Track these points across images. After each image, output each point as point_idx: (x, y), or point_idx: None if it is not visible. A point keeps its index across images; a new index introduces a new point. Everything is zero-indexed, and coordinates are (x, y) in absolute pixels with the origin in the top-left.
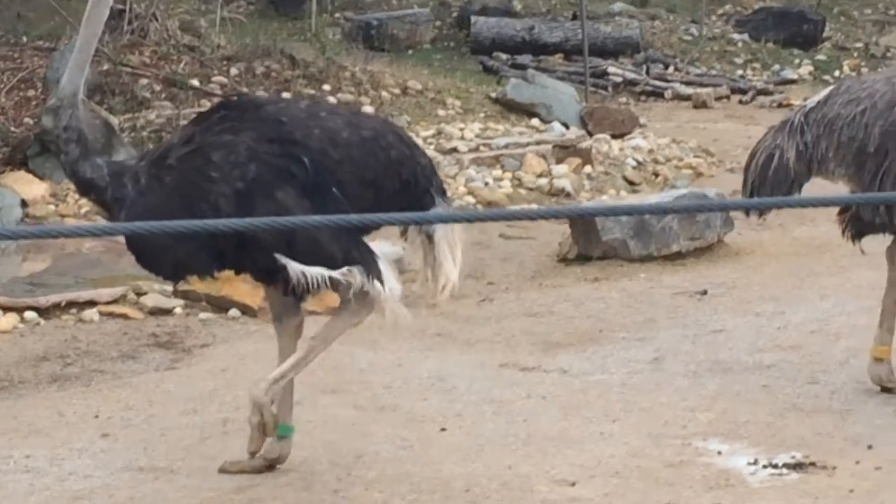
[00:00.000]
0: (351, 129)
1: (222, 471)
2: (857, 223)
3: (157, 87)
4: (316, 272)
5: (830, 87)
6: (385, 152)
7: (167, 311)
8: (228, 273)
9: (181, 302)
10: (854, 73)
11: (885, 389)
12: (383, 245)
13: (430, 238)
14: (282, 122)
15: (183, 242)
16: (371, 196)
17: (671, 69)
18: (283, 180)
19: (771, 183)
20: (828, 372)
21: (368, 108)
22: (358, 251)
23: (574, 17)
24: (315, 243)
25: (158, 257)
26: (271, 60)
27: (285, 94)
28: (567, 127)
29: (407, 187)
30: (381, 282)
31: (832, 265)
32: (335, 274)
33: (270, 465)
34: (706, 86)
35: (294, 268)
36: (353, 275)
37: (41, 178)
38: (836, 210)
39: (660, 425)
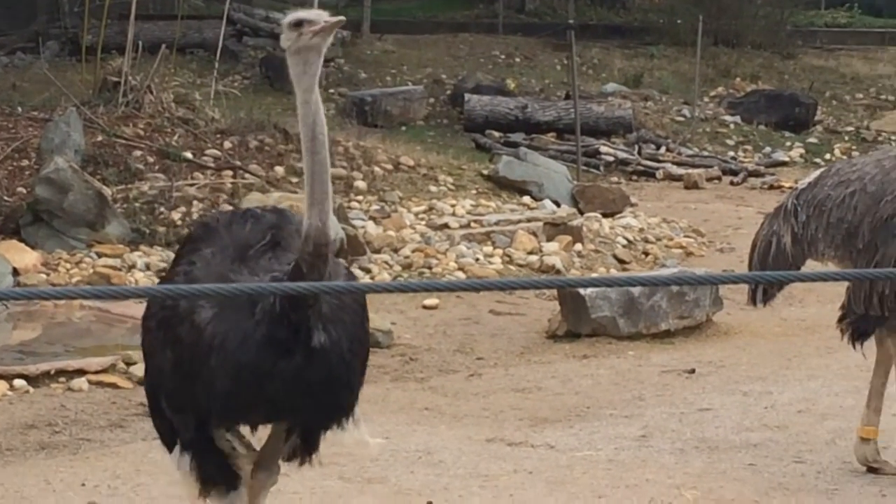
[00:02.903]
0: None
1: None
2: (858, 325)
3: (151, 159)
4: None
5: (821, 169)
6: None
7: None
8: None
9: None
10: (845, 157)
11: (871, 470)
12: None
13: None
14: None
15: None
16: None
17: (663, 150)
18: None
19: (772, 270)
20: (814, 451)
21: (361, 184)
22: None
23: (567, 97)
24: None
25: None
26: (265, 134)
27: (279, 168)
28: (558, 205)
29: None
30: None
31: (820, 346)
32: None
33: None
34: (697, 167)
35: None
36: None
37: (33, 247)
38: (824, 292)
39: (645, 502)
